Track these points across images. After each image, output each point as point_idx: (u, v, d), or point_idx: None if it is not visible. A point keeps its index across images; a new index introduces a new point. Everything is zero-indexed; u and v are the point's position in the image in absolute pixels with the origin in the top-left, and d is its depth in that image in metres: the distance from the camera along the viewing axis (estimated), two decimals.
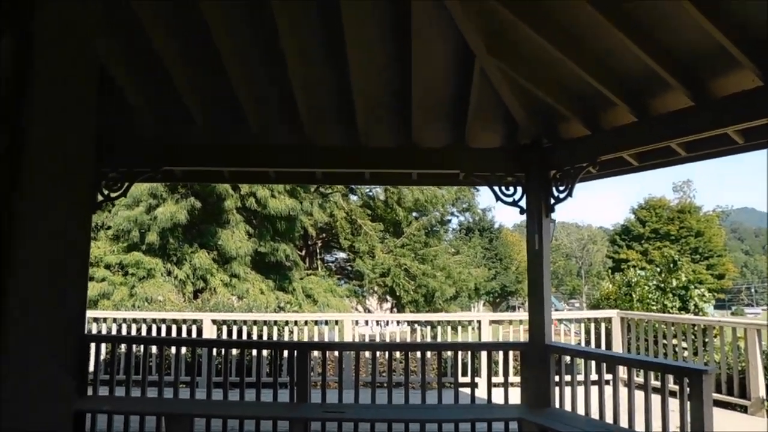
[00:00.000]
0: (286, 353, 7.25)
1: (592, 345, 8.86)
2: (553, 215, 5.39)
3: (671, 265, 11.83)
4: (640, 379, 4.79)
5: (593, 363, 5.96)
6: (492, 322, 9.54)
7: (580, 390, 5.04)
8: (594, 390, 5.05)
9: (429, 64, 4.76)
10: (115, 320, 9.64)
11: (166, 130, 5.46)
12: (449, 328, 9.49)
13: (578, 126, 4.95)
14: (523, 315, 11.15)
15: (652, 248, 39.60)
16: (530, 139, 5.25)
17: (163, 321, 9.47)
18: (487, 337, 9.24)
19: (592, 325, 9.10)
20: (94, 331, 9.17)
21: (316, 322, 9.87)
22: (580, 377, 5.11)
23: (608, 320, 8.96)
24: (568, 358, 5.23)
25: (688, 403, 4.00)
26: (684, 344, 8.00)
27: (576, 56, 4.20)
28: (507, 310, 46.83)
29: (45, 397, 1.82)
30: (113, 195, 5.41)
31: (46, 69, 1.88)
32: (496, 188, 5.33)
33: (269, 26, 4.36)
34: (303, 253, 22.14)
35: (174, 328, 9.34)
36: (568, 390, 5.15)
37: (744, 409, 7.05)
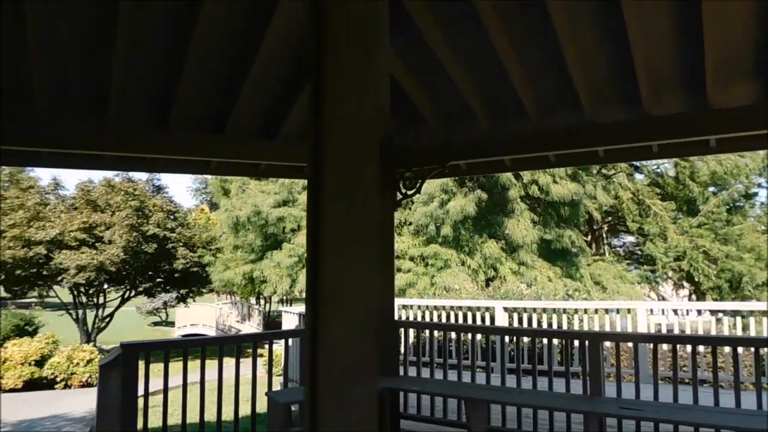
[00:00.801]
0: (576, 342, 6.86)
1: None
2: None
3: None
4: None
5: None
6: None
7: None
8: None
9: (723, 10, 3.81)
10: (419, 307, 10.40)
11: (450, 127, 5.63)
12: (764, 319, 7.90)
13: None
14: None
15: None
16: None
17: (460, 308, 9.86)
18: None
19: None
20: (404, 317, 9.98)
21: (606, 311, 9.15)
22: None
23: None
24: None
25: None
26: None
27: None
28: None
29: (351, 378, 1.86)
30: (409, 193, 5.77)
31: (335, 84, 1.93)
32: None
33: (541, 9, 4.07)
34: (588, 238, 20.89)
35: (470, 315, 9.64)
36: None
37: None
